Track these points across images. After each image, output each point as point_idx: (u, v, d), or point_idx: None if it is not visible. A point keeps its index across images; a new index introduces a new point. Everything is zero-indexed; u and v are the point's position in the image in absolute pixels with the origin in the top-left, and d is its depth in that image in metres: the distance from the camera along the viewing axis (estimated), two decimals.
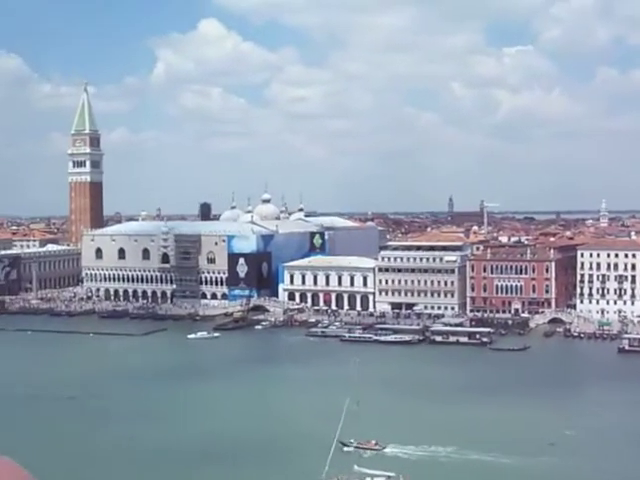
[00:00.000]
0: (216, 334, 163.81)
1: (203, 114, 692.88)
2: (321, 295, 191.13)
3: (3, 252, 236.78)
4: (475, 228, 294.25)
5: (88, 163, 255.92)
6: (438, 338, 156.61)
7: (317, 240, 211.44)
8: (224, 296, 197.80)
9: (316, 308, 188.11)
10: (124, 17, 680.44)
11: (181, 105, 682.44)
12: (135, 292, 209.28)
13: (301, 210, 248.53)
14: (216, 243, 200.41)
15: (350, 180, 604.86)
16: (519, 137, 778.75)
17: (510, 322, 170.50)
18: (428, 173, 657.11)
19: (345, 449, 79.08)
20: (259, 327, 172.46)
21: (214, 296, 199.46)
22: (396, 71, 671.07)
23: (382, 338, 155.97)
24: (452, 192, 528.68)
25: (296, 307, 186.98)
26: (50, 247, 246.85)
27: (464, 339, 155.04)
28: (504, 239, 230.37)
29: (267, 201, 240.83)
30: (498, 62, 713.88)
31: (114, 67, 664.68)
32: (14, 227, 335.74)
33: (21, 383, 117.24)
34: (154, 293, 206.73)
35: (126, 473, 77.34)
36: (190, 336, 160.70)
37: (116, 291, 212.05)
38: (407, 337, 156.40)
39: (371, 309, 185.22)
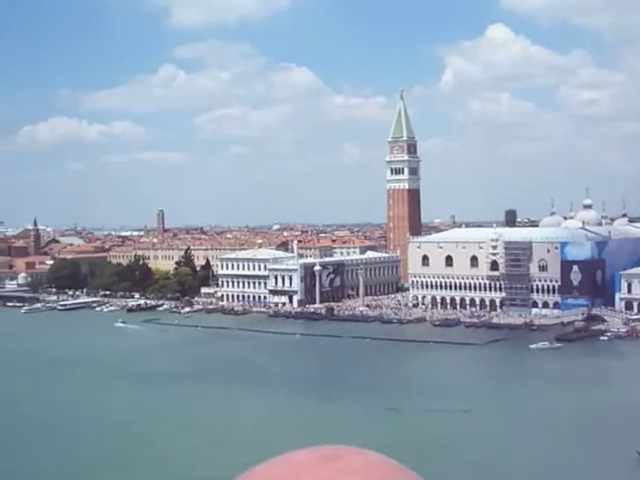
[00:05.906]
0: (558, 344, 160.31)
1: (490, 119, 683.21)
2: None
3: (327, 259, 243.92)
4: None
5: (406, 170, 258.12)
6: None
7: None
8: (556, 305, 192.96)
9: None
10: (412, 27, 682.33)
11: (469, 111, 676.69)
12: (462, 300, 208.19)
13: (624, 216, 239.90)
14: (548, 250, 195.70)
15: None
16: None
17: None
18: None
19: None
20: (604, 338, 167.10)
21: (545, 305, 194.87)
22: None
23: None
24: None
25: (636, 317, 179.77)
26: (370, 254, 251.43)
27: None
28: None
29: (589, 206, 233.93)
30: None
31: (402, 77, 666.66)
32: (322, 234, 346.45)
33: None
34: (482, 301, 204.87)
35: None
36: (532, 346, 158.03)
37: (443, 298, 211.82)
38: None
39: None
